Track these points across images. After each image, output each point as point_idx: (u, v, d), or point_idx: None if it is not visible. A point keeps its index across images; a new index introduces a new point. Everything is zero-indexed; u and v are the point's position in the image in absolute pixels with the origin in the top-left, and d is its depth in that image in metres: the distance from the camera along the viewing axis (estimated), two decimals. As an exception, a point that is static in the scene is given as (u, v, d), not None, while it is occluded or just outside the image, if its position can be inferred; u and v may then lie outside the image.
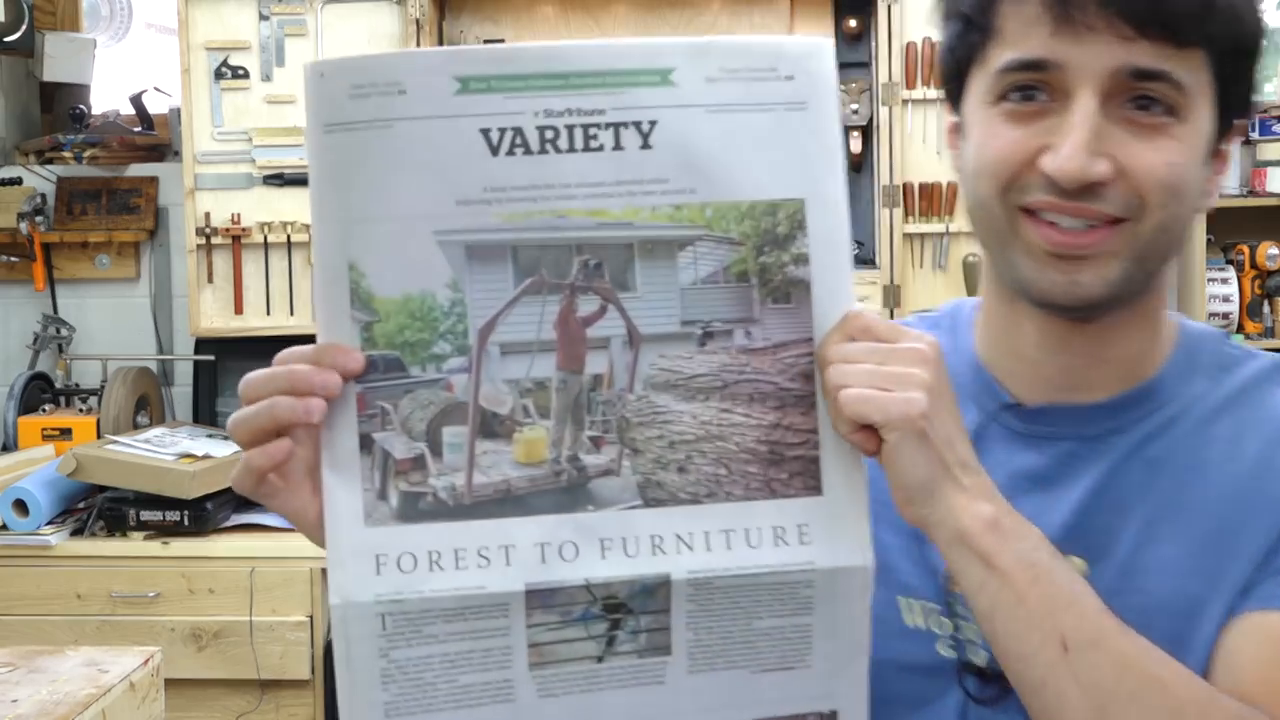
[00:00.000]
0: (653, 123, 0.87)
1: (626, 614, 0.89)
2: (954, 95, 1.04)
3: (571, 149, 0.86)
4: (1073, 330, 1.02)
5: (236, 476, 0.89)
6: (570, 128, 0.86)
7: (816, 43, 0.89)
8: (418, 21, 3.60)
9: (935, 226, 3.61)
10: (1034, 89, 0.96)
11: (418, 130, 0.85)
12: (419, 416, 0.88)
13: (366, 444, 0.88)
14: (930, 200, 3.60)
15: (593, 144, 0.87)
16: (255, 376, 0.89)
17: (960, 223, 3.57)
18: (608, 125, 0.87)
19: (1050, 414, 1.05)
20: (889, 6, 3.56)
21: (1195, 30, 0.93)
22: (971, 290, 3.53)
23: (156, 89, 4.01)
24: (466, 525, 0.88)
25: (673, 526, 0.89)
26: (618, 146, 0.87)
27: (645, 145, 0.87)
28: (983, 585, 0.89)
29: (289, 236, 3.63)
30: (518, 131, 0.86)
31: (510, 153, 0.86)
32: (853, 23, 3.71)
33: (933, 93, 3.59)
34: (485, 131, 0.86)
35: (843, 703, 0.93)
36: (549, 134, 0.86)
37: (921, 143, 3.61)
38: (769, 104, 0.88)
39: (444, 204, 0.86)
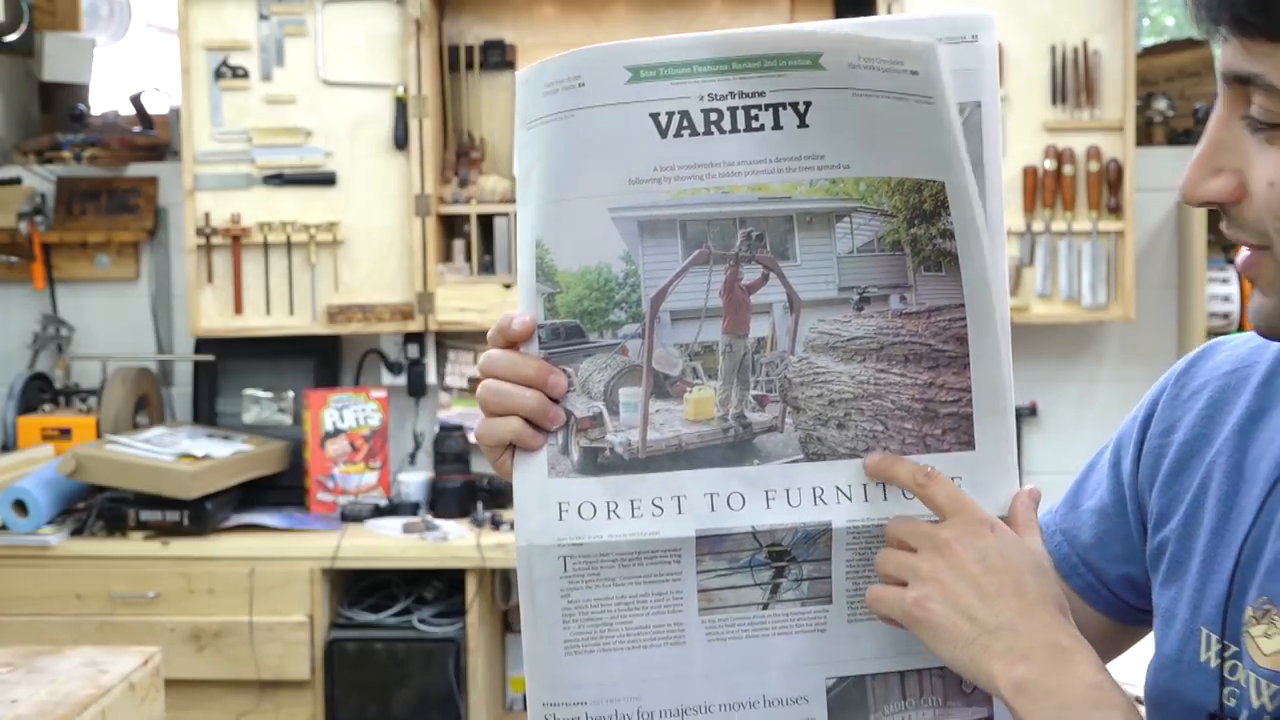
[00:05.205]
0: (808, 103, 0.91)
1: (790, 562, 0.96)
2: None
3: (734, 129, 0.92)
4: None
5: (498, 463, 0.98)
6: (733, 110, 0.91)
7: (926, 45, 0.90)
8: (418, 21, 3.59)
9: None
10: None
11: (594, 117, 0.91)
12: (597, 379, 0.96)
13: None
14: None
15: (754, 124, 0.92)
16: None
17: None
18: (768, 106, 0.91)
19: None
20: (889, 6, 3.55)
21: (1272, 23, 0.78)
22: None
23: (156, 89, 4.01)
24: (642, 478, 0.95)
25: (833, 479, 0.95)
26: (777, 126, 0.92)
27: (802, 124, 0.91)
28: None
29: (289, 236, 3.63)
30: (684, 115, 0.91)
31: (678, 134, 0.92)
32: (853, 22, 3.71)
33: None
34: (655, 116, 0.91)
35: None
36: (713, 116, 0.91)
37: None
38: (903, 94, 0.90)
39: (618, 183, 0.93)
